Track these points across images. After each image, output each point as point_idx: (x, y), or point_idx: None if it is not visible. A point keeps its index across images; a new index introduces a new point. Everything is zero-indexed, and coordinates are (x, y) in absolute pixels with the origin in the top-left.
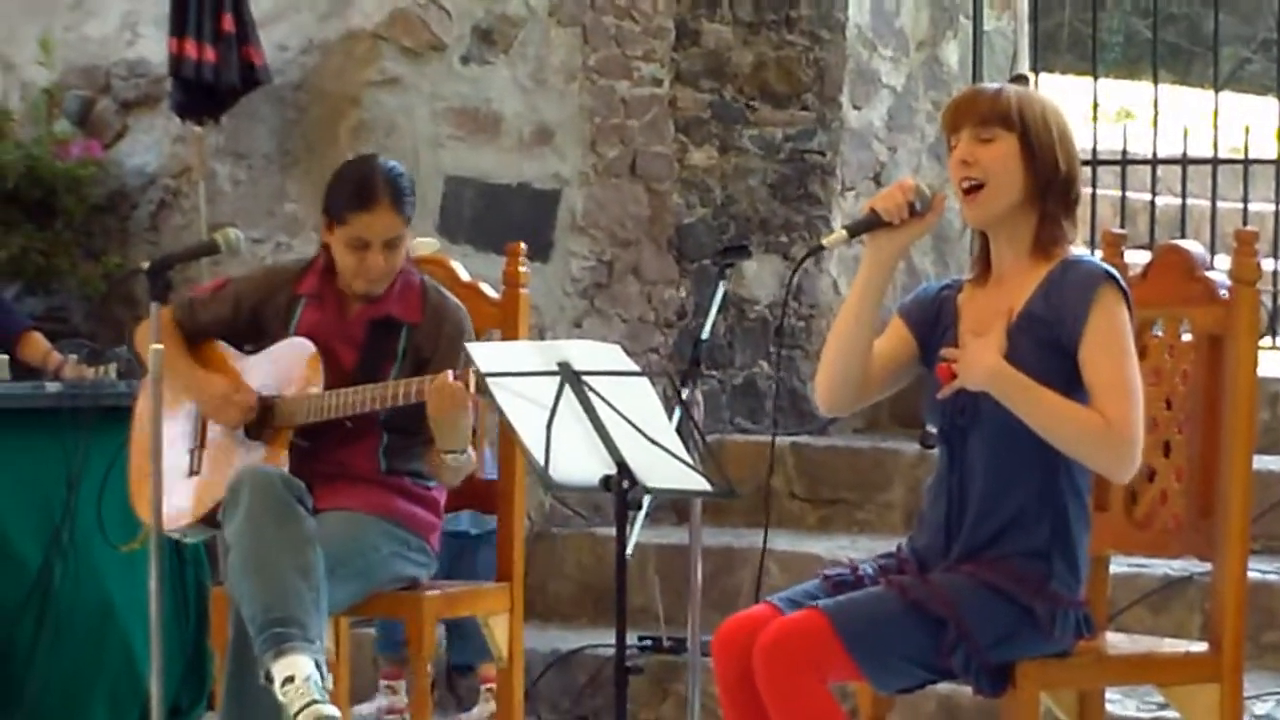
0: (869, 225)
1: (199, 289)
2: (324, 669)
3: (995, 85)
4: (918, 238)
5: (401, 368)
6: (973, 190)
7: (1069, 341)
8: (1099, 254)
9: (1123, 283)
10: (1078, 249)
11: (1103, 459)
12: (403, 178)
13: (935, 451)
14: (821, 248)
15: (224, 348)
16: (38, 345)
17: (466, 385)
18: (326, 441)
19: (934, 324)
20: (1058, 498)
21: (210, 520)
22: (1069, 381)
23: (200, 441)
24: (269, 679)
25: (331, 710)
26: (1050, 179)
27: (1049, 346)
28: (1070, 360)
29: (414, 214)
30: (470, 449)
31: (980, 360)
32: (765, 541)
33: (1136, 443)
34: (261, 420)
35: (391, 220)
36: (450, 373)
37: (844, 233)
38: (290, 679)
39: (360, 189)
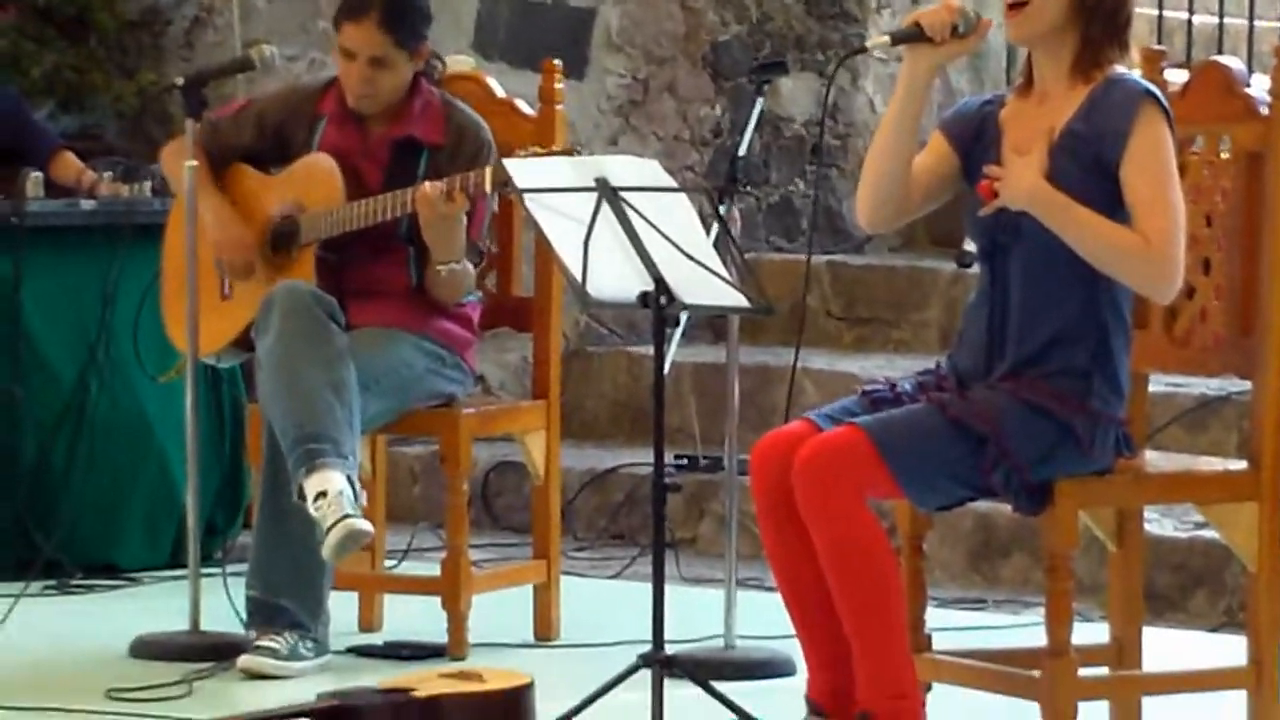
0: (912, 37)
1: (221, 110)
2: (357, 485)
3: None
4: (956, 57)
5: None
6: (1015, 7)
7: (1110, 160)
8: (1137, 71)
9: (1164, 101)
10: (1130, 70)
11: (1143, 278)
12: (407, 1)
13: (972, 270)
14: (864, 49)
15: (249, 171)
16: (70, 164)
17: (454, 193)
18: (355, 256)
19: (976, 139)
20: (1099, 316)
21: (244, 342)
22: (1111, 202)
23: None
24: (301, 495)
25: (364, 525)
26: (1097, 2)
27: (1091, 166)
28: (1112, 180)
29: (417, 42)
30: (466, 262)
31: (1021, 179)
32: (796, 360)
33: (1177, 261)
34: (288, 237)
35: (376, 37)
36: (433, 183)
37: (887, 39)
38: (323, 494)
39: (353, 1)
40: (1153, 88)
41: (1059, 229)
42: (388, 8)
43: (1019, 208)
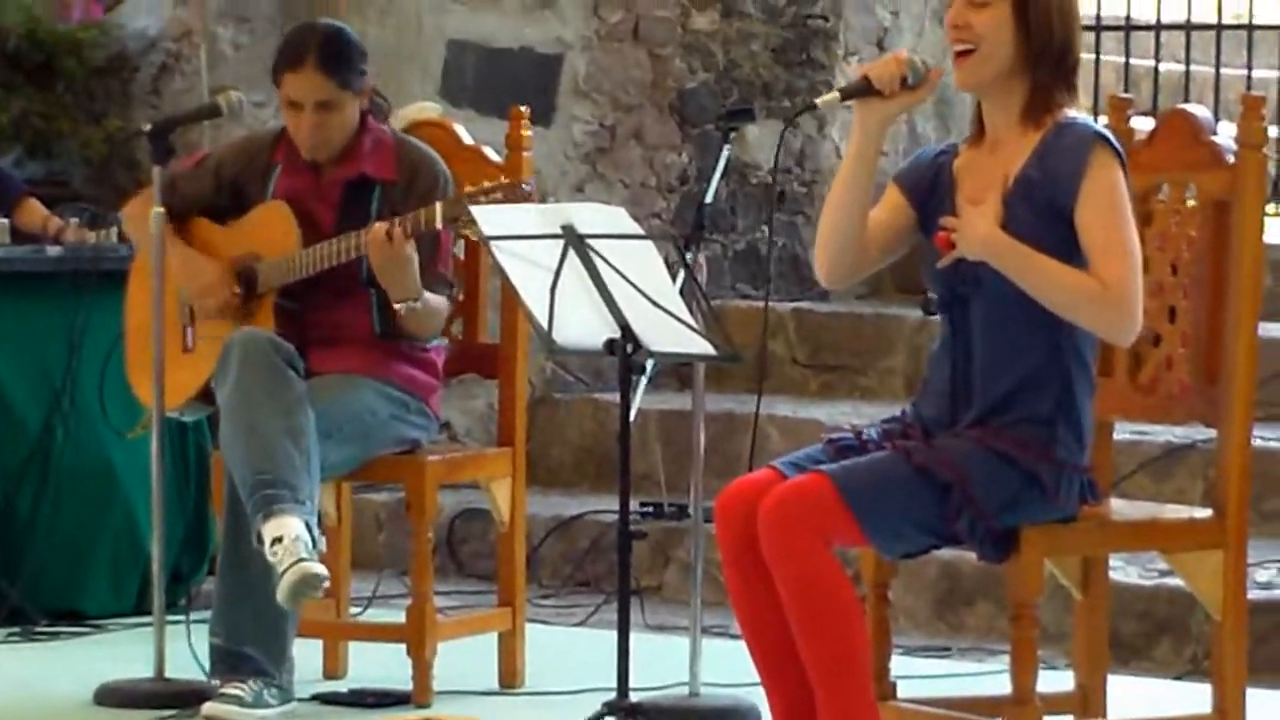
0: (861, 91)
1: (179, 165)
2: (315, 531)
3: None
4: (907, 109)
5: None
6: (963, 55)
7: (1064, 205)
8: (1103, 119)
9: (1116, 144)
10: (1080, 114)
11: (1102, 322)
12: (342, 41)
13: (937, 317)
14: (814, 106)
15: (206, 223)
16: (35, 211)
17: (395, 234)
18: (316, 303)
19: (931, 191)
20: (1062, 363)
21: (207, 396)
22: (1068, 247)
23: (191, 316)
24: (260, 540)
25: (318, 569)
26: (1044, 47)
27: (1046, 212)
28: (1067, 225)
29: (359, 79)
30: (427, 296)
31: (977, 229)
32: (759, 406)
33: (1136, 304)
34: (246, 287)
35: (318, 82)
36: (381, 224)
37: (837, 94)
38: (279, 539)
39: (289, 50)
40: (1104, 130)
41: (1016, 277)
42: (324, 51)
43: (976, 258)
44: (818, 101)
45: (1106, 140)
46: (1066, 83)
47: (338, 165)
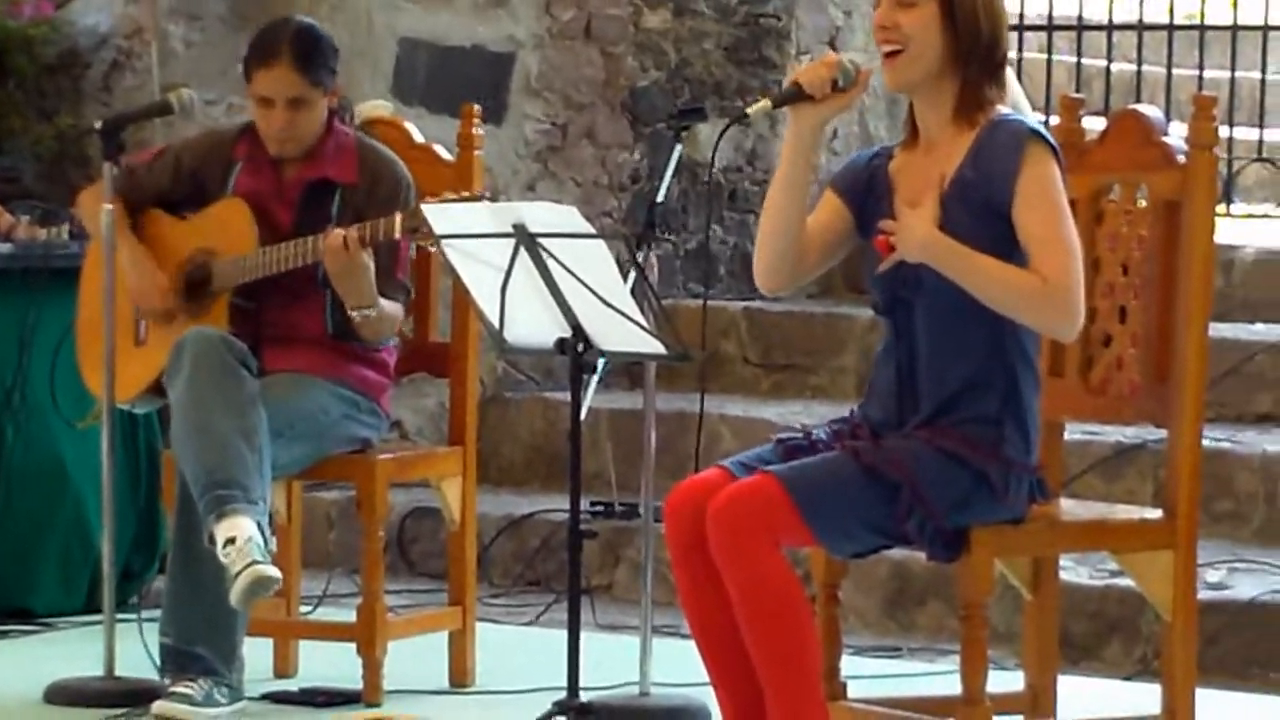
0: (792, 97)
1: (138, 156)
2: (267, 531)
3: None
4: (840, 112)
5: (339, 228)
6: (892, 55)
7: (1001, 202)
8: (1055, 119)
9: (1050, 139)
10: (1035, 115)
11: (1044, 318)
12: (313, 38)
13: None
14: (745, 116)
15: (163, 216)
16: None
17: (352, 243)
18: (270, 303)
19: (868, 193)
20: (1006, 363)
21: (159, 389)
22: (1007, 244)
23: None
24: (212, 540)
25: (271, 571)
26: (972, 45)
27: (983, 210)
28: (1005, 222)
29: (329, 77)
30: (383, 303)
31: (915, 231)
32: (702, 405)
33: (1077, 298)
34: (201, 284)
35: (291, 78)
36: (339, 231)
37: (768, 103)
38: (232, 540)
39: (263, 47)
40: (1037, 126)
41: (957, 277)
42: (299, 47)
43: (916, 260)
44: (748, 110)
45: (1040, 136)
46: (996, 79)
47: (299, 165)
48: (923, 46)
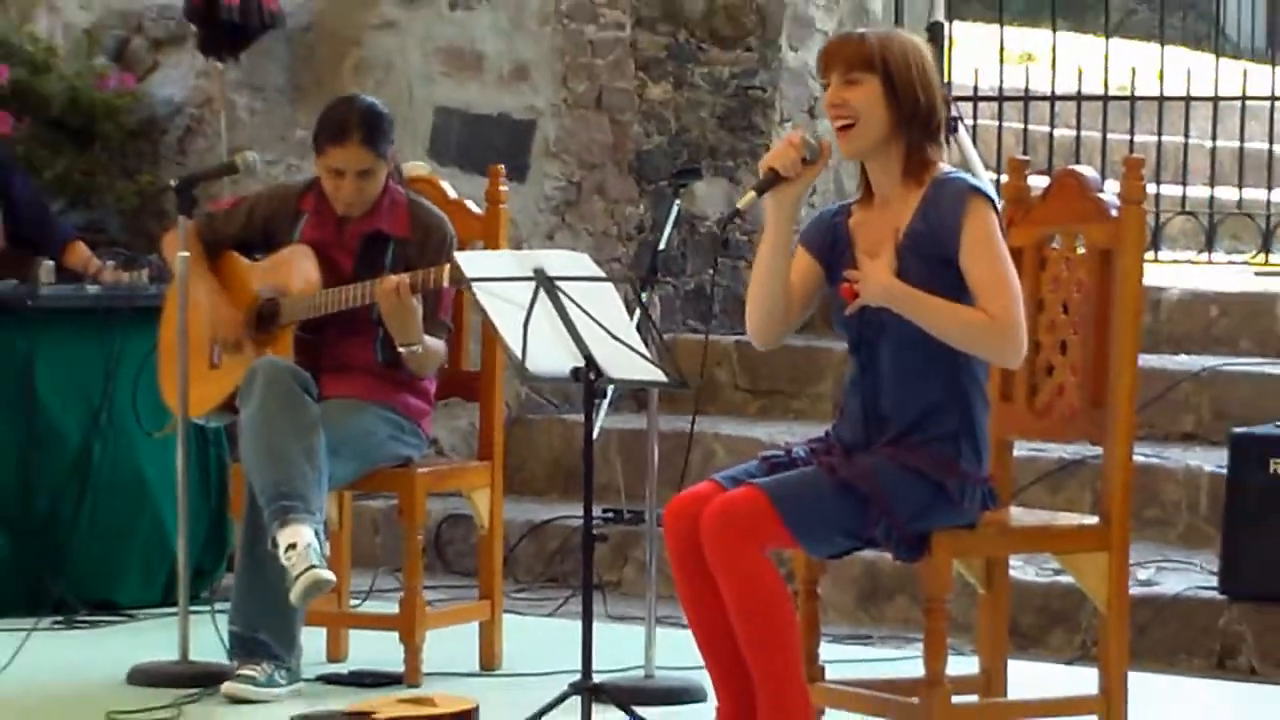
0: (772, 183)
1: (218, 204)
2: (323, 537)
3: (859, 31)
4: (811, 183)
5: (392, 275)
6: (845, 129)
7: (949, 251)
8: (1005, 177)
9: (989, 192)
10: (988, 174)
11: (993, 350)
12: (378, 116)
13: None
14: (738, 212)
15: (238, 258)
16: (81, 253)
17: (404, 289)
18: (328, 336)
19: (832, 247)
20: (960, 390)
21: (229, 406)
22: (956, 287)
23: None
24: (275, 545)
25: (327, 574)
26: (912, 112)
27: (934, 259)
28: (954, 268)
29: (389, 147)
30: (428, 340)
31: (877, 280)
32: (693, 426)
33: (1020, 330)
34: (270, 317)
35: (361, 154)
36: (393, 277)
37: (753, 194)
38: (293, 546)
39: (335, 126)
40: (976, 181)
41: (914, 317)
42: (367, 126)
43: (877, 304)
44: (739, 205)
45: (979, 190)
46: (935, 140)
47: (358, 220)
48: (870, 119)
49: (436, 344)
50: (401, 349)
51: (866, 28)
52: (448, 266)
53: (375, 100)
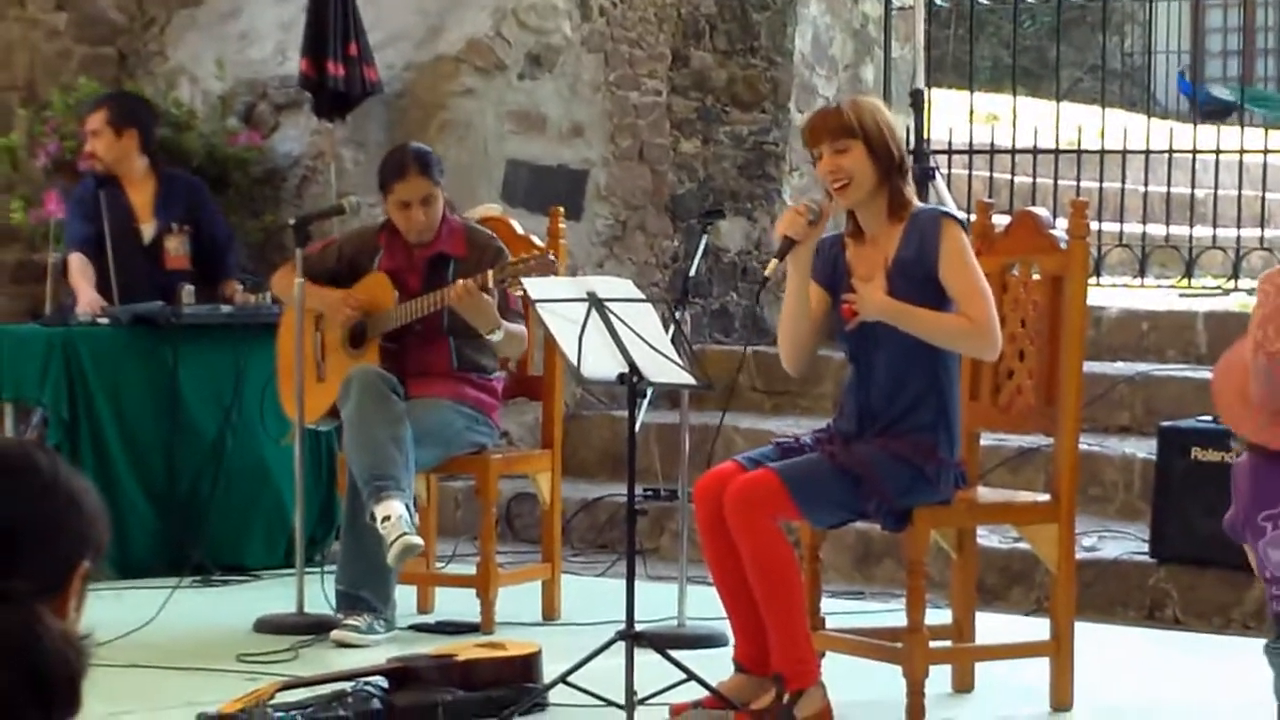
0: (788, 248)
1: (312, 248)
2: (413, 510)
3: (835, 103)
4: (818, 238)
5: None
6: (842, 187)
7: (931, 270)
8: (973, 216)
9: (957, 215)
10: (960, 214)
11: (974, 348)
12: (426, 153)
13: None
14: (767, 279)
15: (331, 289)
16: (232, 288)
17: (470, 288)
18: (409, 346)
19: (833, 274)
20: (939, 390)
21: (335, 413)
22: (940, 299)
23: (322, 355)
24: (372, 518)
25: (417, 540)
26: (890, 164)
27: (919, 279)
28: (936, 284)
29: (441, 177)
30: (506, 325)
31: (873, 300)
32: (722, 421)
33: (996, 331)
34: (359, 334)
35: (420, 183)
36: (460, 282)
37: (775, 261)
38: (387, 517)
39: (395, 165)
40: (945, 209)
41: (906, 327)
42: (420, 162)
43: (874, 319)
44: (767, 274)
45: (950, 216)
46: (907, 181)
47: (425, 246)
48: (861, 176)
49: (515, 327)
50: (488, 337)
51: (836, 99)
52: (490, 271)
53: (421, 144)
